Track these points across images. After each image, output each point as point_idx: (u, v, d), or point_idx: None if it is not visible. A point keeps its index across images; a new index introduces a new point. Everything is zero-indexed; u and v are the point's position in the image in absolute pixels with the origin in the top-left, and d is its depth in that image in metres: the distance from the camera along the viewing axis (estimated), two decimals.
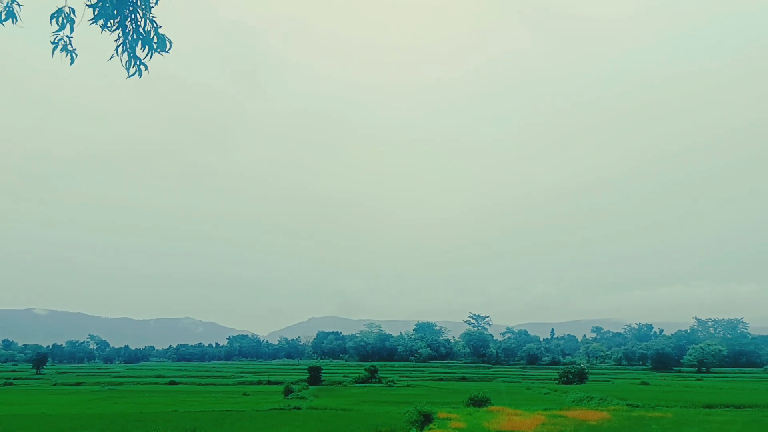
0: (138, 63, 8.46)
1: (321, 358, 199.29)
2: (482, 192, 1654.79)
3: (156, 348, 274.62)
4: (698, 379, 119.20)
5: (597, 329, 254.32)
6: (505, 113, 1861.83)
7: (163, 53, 8.49)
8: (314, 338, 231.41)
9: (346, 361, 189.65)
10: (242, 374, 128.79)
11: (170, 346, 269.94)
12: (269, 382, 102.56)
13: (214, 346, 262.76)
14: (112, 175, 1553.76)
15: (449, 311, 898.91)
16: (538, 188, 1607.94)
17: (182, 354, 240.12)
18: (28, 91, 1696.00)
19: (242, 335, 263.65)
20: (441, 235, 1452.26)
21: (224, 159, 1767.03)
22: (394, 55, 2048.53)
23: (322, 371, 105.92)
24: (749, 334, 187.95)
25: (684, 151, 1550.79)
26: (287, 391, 70.84)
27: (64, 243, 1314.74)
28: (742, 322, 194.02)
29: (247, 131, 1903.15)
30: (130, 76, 8.47)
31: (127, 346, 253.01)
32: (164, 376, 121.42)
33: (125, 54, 8.35)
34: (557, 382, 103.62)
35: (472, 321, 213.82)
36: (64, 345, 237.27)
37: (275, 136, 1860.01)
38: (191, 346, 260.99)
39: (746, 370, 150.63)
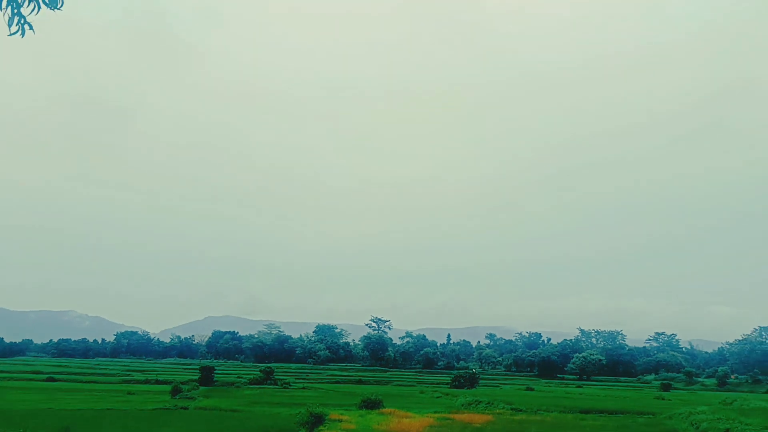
0: (22, 21, 7.70)
1: (215, 359, 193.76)
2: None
3: (34, 342, 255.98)
4: (579, 386, 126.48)
5: (491, 336, 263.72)
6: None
7: (56, 10, 7.79)
8: (209, 337, 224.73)
9: (241, 362, 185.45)
10: (128, 372, 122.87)
11: (51, 340, 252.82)
12: (157, 381, 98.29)
13: (99, 341, 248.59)
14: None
15: (353, 314, 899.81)
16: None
17: (63, 349, 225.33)
18: None
19: (131, 331, 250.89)
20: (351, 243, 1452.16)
21: (121, 140, 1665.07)
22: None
23: (216, 371, 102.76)
24: (627, 345, 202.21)
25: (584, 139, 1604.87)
26: (175, 391, 68.07)
27: None
28: (621, 333, 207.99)
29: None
30: (11, 35, 7.72)
31: (2, 338, 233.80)
32: (42, 372, 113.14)
33: (9, 9, 7.62)
34: (450, 386, 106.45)
35: (373, 324, 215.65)
36: None
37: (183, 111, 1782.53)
38: (74, 341, 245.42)
39: (622, 378, 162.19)
